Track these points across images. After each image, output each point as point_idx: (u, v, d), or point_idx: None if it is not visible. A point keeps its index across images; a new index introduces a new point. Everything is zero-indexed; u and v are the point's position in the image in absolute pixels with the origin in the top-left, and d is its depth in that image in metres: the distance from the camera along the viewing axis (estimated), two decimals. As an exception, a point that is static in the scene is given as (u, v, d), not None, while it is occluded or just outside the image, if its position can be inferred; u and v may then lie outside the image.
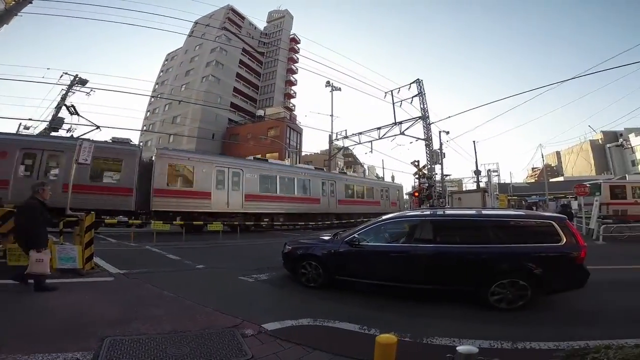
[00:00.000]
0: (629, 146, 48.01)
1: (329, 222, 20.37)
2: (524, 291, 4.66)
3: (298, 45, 55.62)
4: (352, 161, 55.51)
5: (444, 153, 28.25)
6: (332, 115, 32.51)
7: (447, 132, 29.18)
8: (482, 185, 32.88)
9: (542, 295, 4.85)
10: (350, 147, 33.09)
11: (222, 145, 41.00)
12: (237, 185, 16.02)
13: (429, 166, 25.38)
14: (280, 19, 57.82)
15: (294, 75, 56.96)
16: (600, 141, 59.00)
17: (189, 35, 44.50)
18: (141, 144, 27.22)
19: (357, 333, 3.84)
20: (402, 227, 5.96)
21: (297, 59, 53.60)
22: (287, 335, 3.62)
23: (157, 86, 51.25)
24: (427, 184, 24.76)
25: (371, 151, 28.16)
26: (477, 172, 34.62)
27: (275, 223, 17.52)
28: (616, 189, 19.14)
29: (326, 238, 6.49)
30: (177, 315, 4.13)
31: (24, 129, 22.69)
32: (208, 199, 14.88)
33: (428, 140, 25.34)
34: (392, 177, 43.79)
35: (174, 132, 40.22)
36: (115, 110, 57.36)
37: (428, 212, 6.30)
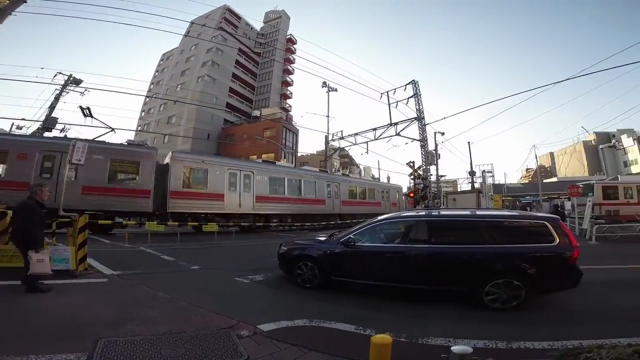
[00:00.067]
0: (621, 147, 48.65)
1: (333, 222, 20.65)
2: (518, 291, 4.69)
3: (294, 45, 55.58)
4: (348, 162, 55.65)
5: (439, 154, 28.56)
6: (328, 116, 32.53)
7: (443, 133, 29.44)
8: (476, 186, 33.14)
9: (536, 295, 4.89)
10: (346, 148, 33.24)
11: (217, 146, 40.83)
12: (248, 187, 16.50)
13: (424, 167, 25.53)
14: (277, 20, 57.74)
15: (290, 76, 56.91)
16: (593, 142, 59.72)
17: (185, 35, 44.31)
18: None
19: (353, 333, 3.84)
20: (398, 227, 5.98)
21: (294, 59, 53.54)
22: (283, 336, 3.61)
23: (152, 86, 50.88)
24: (422, 185, 24.89)
25: (367, 152, 28.36)
26: (472, 173, 34.89)
27: (283, 224, 18.03)
28: (608, 189, 19.37)
29: (322, 239, 6.48)
30: (172, 316, 4.10)
31: (16, 128, 22.48)
32: (221, 201, 15.31)
33: (423, 141, 25.49)
34: (388, 178, 44.01)
35: (169, 133, 39.98)
36: (111, 110, 56.73)
37: (423, 213, 6.31)
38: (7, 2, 19.64)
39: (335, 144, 31.34)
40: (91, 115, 16.30)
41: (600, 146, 52.22)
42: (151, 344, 3.24)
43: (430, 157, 26.04)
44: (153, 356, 3.02)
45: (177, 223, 13.10)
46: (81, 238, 6.16)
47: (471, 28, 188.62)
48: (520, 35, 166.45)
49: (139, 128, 46.73)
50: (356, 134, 27.85)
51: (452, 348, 2.14)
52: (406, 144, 26.24)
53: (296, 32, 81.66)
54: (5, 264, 5.52)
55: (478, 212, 6.39)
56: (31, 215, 4.83)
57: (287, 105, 55.63)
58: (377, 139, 26.39)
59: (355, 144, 28.44)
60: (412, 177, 25.58)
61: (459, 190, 45.99)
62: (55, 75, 21.95)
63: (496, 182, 47.08)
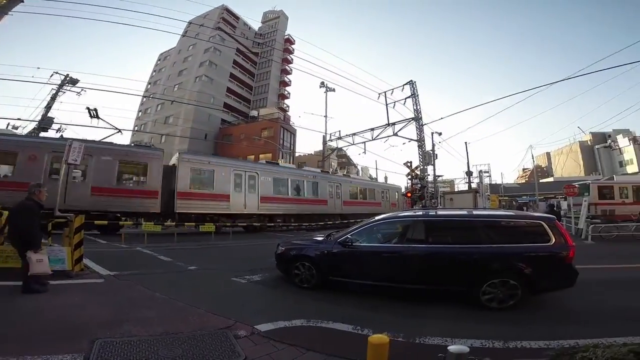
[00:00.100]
0: (617, 147, 49.03)
1: (333, 222, 20.72)
2: (515, 290, 4.71)
3: (292, 46, 55.50)
4: (345, 162, 55.63)
5: (437, 154, 28.68)
6: (326, 116, 32.60)
7: (440, 133, 29.67)
8: (473, 186, 33.22)
9: (532, 295, 4.91)
10: (344, 148, 33.25)
11: (214, 146, 40.71)
12: (253, 188, 16.70)
13: (422, 167, 25.59)
14: (275, 20, 57.68)
15: (288, 76, 56.85)
16: (589, 142, 60.02)
17: (183, 35, 44.08)
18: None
19: (351, 333, 3.84)
20: (395, 227, 5.99)
21: (292, 59, 53.46)
22: (280, 336, 3.61)
23: (149, 86, 50.69)
24: (419, 185, 24.94)
25: (364, 152, 28.37)
26: (469, 173, 35.00)
27: (287, 224, 18.20)
28: (604, 189, 19.52)
29: (319, 239, 6.48)
30: (169, 316, 4.09)
31: (12, 128, 22.32)
32: (227, 201, 15.48)
33: (421, 141, 25.56)
34: (385, 178, 43.97)
35: (166, 133, 39.82)
36: (108, 110, 56.36)
37: (420, 213, 6.33)
38: (4, 1, 19.50)
39: (333, 144, 31.42)
40: (98, 117, 16.33)
41: (596, 146, 52.56)
42: (148, 345, 3.23)
43: (428, 157, 26.13)
44: (150, 357, 3.01)
45: (184, 223, 13.31)
46: (77, 239, 6.12)
47: (469, 29, 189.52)
48: (517, 36, 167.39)
49: (136, 128, 46.49)
50: (354, 134, 27.93)
51: (449, 347, 2.15)
52: (404, 144, 26.44)
53: (294, 32, 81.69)
54: (1, 264, 5.49)
55: (475, 212, 6.43)
56: (30, 216, 4.81)
57: (285, 106, 55.55)
58: (374, 139, 26.49)
59: (353, 144, 28.53)
60: (410, 177, 25.64)
61: (456, 190, 46.08)
62: (52, 75, 21.86)
63: (493, 182, 47.32)
